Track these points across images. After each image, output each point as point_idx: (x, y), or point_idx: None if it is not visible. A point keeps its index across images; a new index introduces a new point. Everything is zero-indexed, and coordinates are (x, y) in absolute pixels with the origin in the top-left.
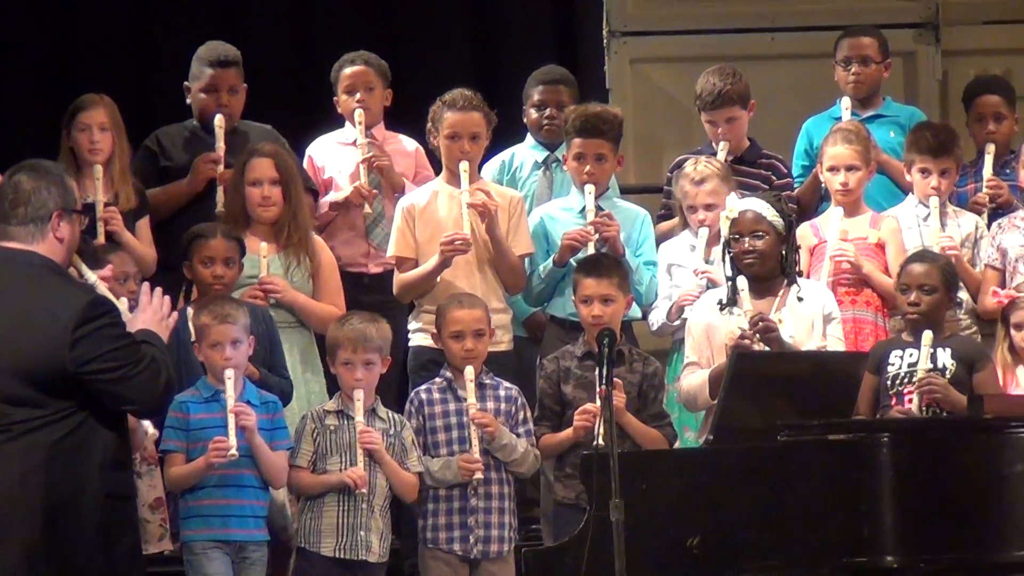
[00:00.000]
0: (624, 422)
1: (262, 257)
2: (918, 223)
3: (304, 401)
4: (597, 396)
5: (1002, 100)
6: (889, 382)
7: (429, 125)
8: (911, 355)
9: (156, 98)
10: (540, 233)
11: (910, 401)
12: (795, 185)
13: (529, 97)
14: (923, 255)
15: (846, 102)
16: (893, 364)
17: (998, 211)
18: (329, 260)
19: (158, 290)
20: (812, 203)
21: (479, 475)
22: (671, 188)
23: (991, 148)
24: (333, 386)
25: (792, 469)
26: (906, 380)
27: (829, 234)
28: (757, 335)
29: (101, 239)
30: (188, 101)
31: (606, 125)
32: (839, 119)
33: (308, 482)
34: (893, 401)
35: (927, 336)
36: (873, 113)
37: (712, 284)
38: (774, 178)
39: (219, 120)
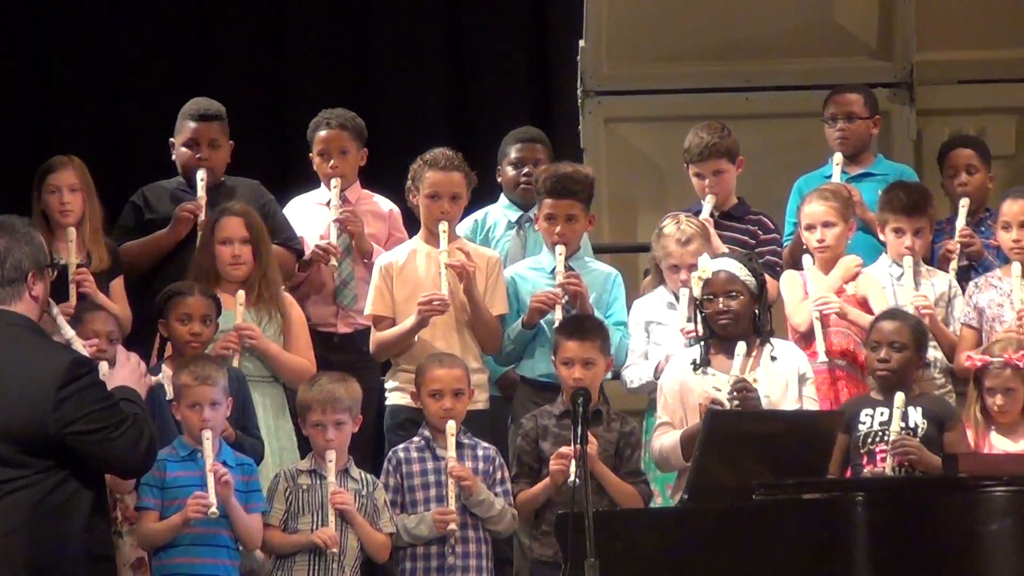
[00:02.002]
0: (599, 471)
1: (239, 304)
2: (892, 282)
3: (276, 456)
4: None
5: (974, 153)
6: (860, 441)
7: (409, 183)
8: (881, 413)
9: (134, 157)
10: (510, 292)
11: (883, 461)
12: (783, 242)
13: (505, 155)
14: (893, 313)
15: (837, 158)
16: (864, 423)
17: (970, 266)
18: (299, 315)
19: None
20: (800, 259)
21: (453, 526)
22: None
23: (965, 202)
24: (303, 441)
25: (767, 528)
26: (877, 439)
27: (810, 288)
28: (735, 401)
29: (72, 301)
30: (173, 157)
31: (576, 185)
32: (829, 177)
33: (279, 541)
34: (864, 460)
35: (899, 398)
36: (862, 171)
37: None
38: (760, 233)
39: (201, 173)
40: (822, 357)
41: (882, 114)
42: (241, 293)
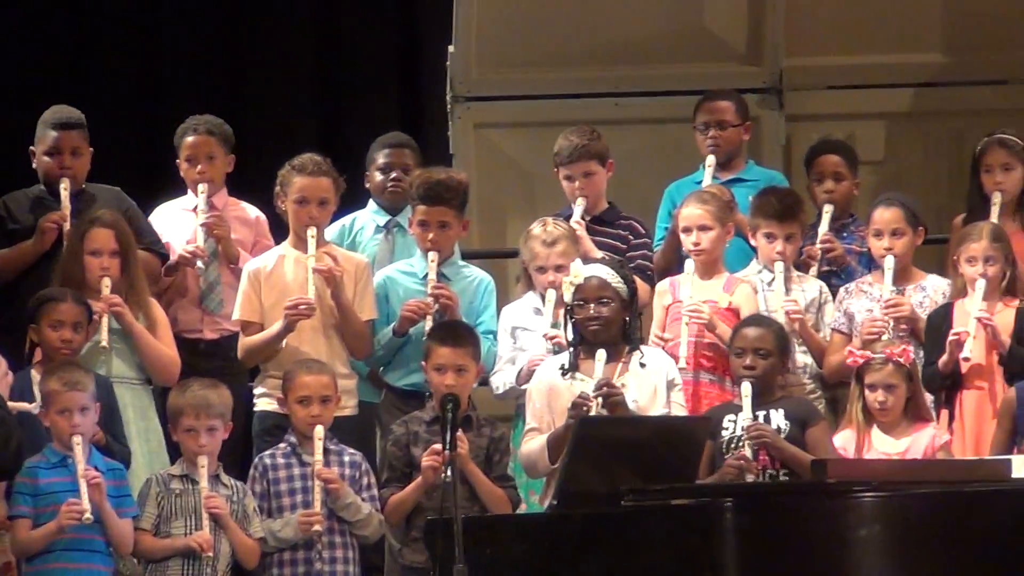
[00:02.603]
0: (470, 471)
1: (105, 288)
2: (762, 288)
3: (146, 458)
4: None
5: (842, 160)
6: (724, 446)
7: (277, 189)
8: (745, 419)
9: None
10: (381, 295)
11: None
12: (654, 247)
13: (373, 161)
14: (757, 319)
15: (709, 160)
16: (727, 428)
17: (831, 271)
18: (163, 317)
19: None
20: (672, 264)
21: (318, 527)
22: None
23: (829, 208)
24: (171, 444)
25: (636, 534)
26: (740, 444)
27: (683, 293)
28: (600, 401)
29: None
30: (34, 165)
31: (449, 192)
32: (700, 183)
33: (152, 545)
34: None
35: (746, 387)
36: (733, 177)
37: (561, 349)
38: (632, 238)
39: (64, 183)
40: (681, 363)
41: (751, 120)
42: (107, 280)
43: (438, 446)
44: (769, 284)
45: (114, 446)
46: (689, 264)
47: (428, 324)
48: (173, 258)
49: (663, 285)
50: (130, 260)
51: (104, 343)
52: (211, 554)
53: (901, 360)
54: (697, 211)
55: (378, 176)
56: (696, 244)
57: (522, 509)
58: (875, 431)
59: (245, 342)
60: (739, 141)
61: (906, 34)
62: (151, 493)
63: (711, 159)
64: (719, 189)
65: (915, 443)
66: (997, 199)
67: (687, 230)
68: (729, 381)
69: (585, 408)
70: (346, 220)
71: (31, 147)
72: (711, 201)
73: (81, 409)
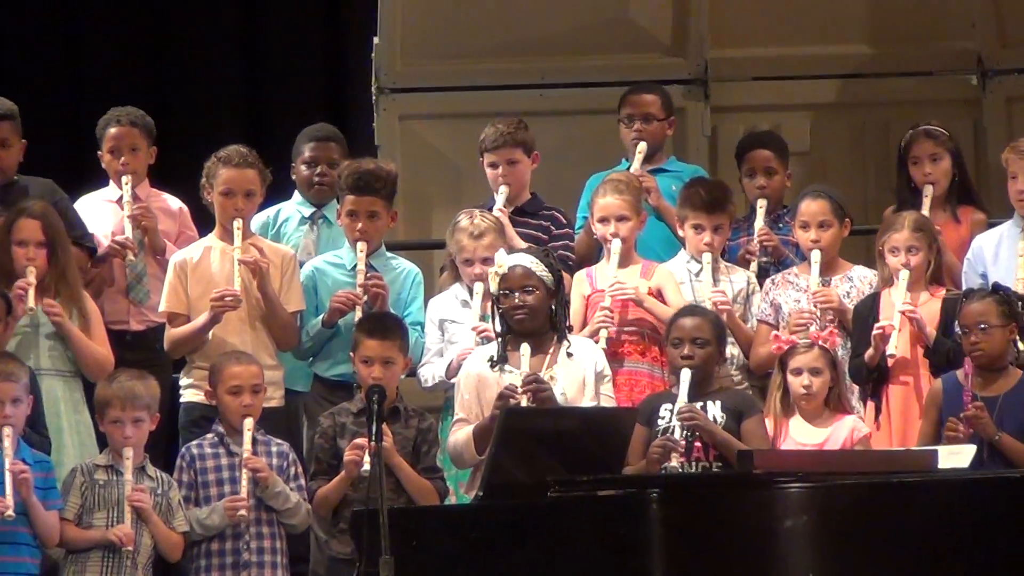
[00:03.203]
0: (396, 464)
1: (29, 275)
2: (690, 278)
3: (76, 450)
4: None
5: (773, 155)
6: (659, 435)
7: (204, 180)
8: (680, 403)
9: None
10: (309, 286)
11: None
12: (575, 236)
13: (300, 154)
14: (692, 309)
15: (641, 147)
16: (663, 417)
17: (772, 263)
18: (96, 311)
19: None
20: (591, 254)
21: (244, 513)
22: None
23: (763, 203)
24: (100, 436)
25: (562, 525)
26: (675, 432)
27: (601, 282)
28: (529, 395)
29: None
30: None
31: (379, 183)
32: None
33: (73, 536)
34: None
35: (685, 373)
36: (656, 167)
37: (490, 342)
38: (554, 228)
39: None
40: (602, 343)
41: (677, 111)
42: (32, 269)
43: (360, 440)
44: (697, 275)
45: (33, 437)
46: (616, 243)
47: (358, 314)
48: (102, 249)
49: (580, 275)
50: (59, 252)
51: (32, 305)
52: (131, 548)
53: (826, 345)
54: (615, 201)
55: (304, 170)
56: (614, 234)
57: (451, 500)
58: (794, 421)
59: (171, 334)
60: (663, 136)
61: (831, 25)
62: (76, 483)
63: (643, 145)
64: (627, 175)
65: (834, 434)
66: (929, 191)
67: (604, 220)
68: (659, 368)
69: (512, 400)
70: (271, 211)
71: None
72: (626, 191)
73: (13, 400)
